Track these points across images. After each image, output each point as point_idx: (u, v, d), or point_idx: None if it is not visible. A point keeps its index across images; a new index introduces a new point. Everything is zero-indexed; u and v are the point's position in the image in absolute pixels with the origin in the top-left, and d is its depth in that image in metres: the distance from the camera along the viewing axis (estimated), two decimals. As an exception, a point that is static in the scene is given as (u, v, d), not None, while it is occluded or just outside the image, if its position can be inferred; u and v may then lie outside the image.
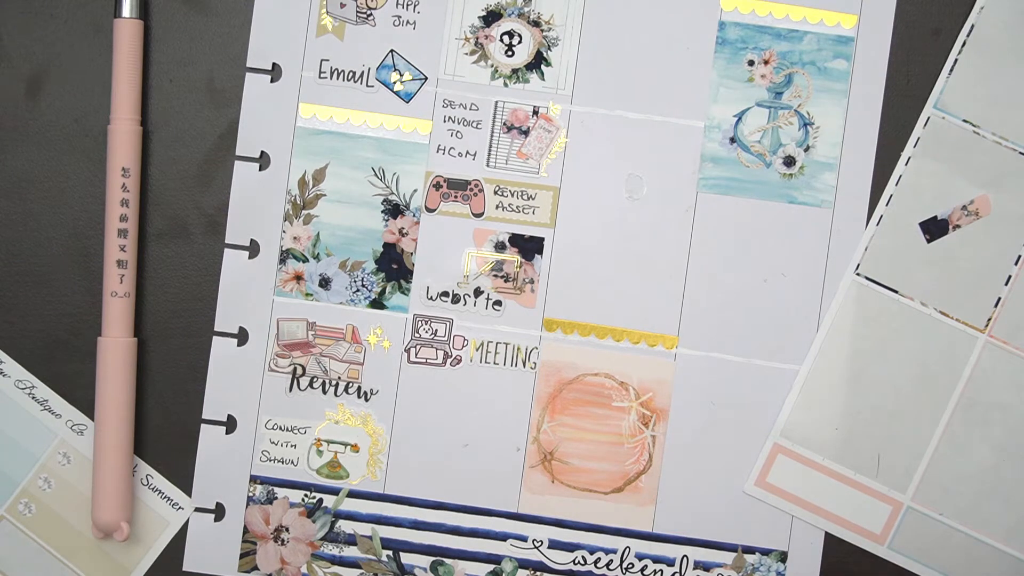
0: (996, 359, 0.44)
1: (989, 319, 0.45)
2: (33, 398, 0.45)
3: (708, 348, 0.45)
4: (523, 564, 0.45)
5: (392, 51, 0.45)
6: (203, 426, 0.45)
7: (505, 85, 0.45)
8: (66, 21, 0.46)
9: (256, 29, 0.45)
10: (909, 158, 0.45)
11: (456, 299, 0.45)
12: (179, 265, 0.45)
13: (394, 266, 0.45)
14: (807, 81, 0.45)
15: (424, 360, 0.45)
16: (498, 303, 0.45)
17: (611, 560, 0.45)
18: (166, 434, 0.45)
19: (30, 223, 0.46)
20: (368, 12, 0.45)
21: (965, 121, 0.45)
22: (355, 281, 0.45)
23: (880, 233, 0.45)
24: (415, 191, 0.45)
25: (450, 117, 0.45)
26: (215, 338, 0.45)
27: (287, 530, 0.45)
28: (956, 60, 0.45)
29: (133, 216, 0.44)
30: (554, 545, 0.45)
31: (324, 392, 0.45)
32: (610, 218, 0.45)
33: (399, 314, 0.45)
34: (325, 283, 0.45)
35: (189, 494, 0.45)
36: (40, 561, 0.45)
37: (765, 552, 0.45)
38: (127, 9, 0.44)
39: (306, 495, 0.45)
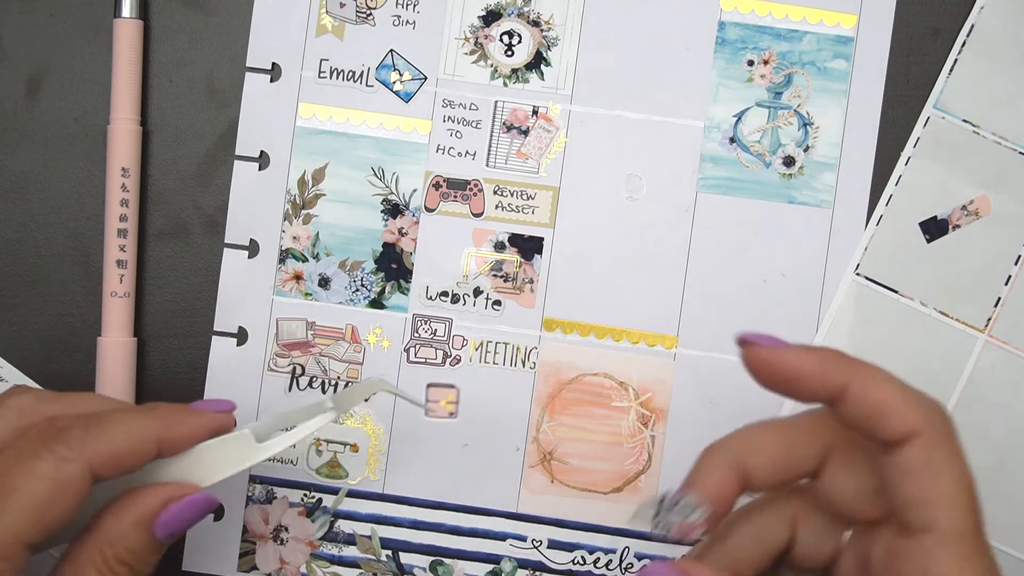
0: (996, 359, 0.44)
1: (989, 319, 0.44)
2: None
3: (708, 348, 0.45)
4: (522, 564, 0.45)
5: (392, 51, 0.45)
6: (202, 426, 0.45)
7: (505, 85, 0.45)
8: (66, 21, 0.46)
9: (256, 29, 0.45)
10: (909, 158, 0.45)
11: (455, 299, 0.45)
12: (179, 265, 0.45)
13: (393, 266, 0.45)
14: (807, 81, 0.45)
15: (423, 360, 0.45)
16: (497, 303, 0.45)
17: (610, 560, 0.45)
18: (166, 434, 0.45)
19: (30, 223, 0.46)
20: (368, 12, 0.45)
21: (965, 121, 0.45)
22: (354, 281, 0.45)
23: (880, 233, 0.45)
24: (415, 191, 0.45)
25: (450, 117, 0.45)
26: (215, 338, 0.45)
27: (286, 530, 0.45)
28: (956, 60, 0.45)
29: (133, 216, 0.44)
30: (553, 545, 0.45)
31: (324, 392, 0.45)
32: (609, 218, 0.45)
33: (398, 314, 0.45)
34: (324, 283, 0.45)
35: (188, 494, 0.45)
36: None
37: (765, 552, 0.45)
38: (127, 9, 0.44)
39: (305, 495, 0.45)
